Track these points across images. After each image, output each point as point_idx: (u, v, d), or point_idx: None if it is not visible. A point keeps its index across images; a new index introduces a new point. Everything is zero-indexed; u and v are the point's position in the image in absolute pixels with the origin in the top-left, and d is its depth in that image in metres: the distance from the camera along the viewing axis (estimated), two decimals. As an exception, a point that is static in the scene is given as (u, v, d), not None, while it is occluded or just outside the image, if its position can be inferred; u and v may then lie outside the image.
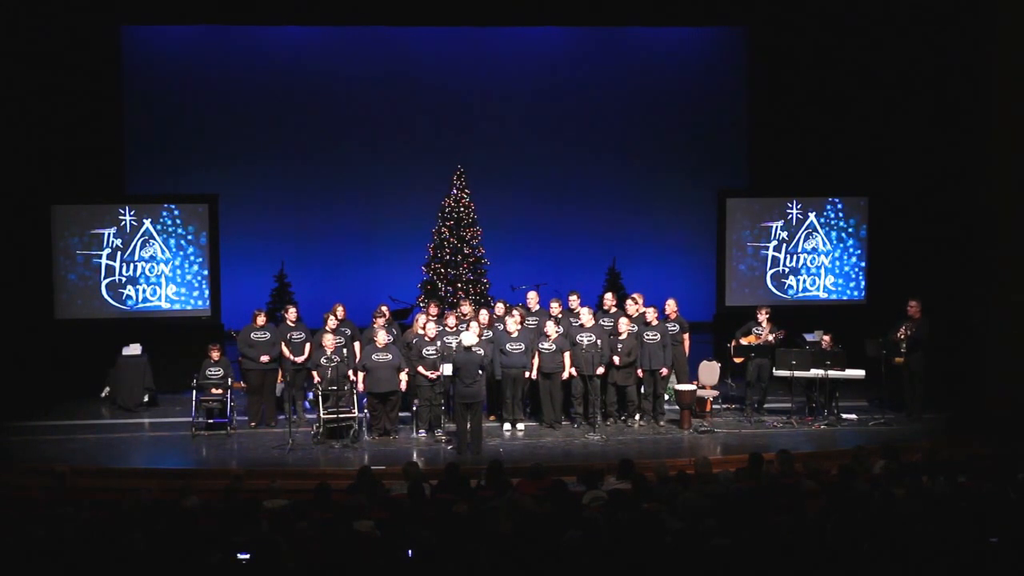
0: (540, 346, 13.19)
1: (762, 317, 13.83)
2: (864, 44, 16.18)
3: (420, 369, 12.90)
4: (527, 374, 13.23)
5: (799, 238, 16.14)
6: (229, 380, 13.35)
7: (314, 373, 13.03)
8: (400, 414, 13.15)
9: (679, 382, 13.76)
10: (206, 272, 15.53)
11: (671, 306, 13.79)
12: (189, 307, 15.51)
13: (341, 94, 18.84)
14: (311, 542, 7.24)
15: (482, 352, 12.46)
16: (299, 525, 7.61)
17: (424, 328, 13.13)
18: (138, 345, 14.72)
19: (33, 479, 10.81)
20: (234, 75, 18.58)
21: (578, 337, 13.07)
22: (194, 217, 15.50)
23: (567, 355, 13.15)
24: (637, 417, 13.58)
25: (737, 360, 14.02)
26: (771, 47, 17.76)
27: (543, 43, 19.07)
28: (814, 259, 16.19)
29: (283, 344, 13.55)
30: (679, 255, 19.21)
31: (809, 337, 14.44)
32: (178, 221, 15.47)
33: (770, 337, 13.64)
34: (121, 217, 15.33)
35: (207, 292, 15.54)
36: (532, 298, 14.10)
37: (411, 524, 7.58)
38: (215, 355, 13.41)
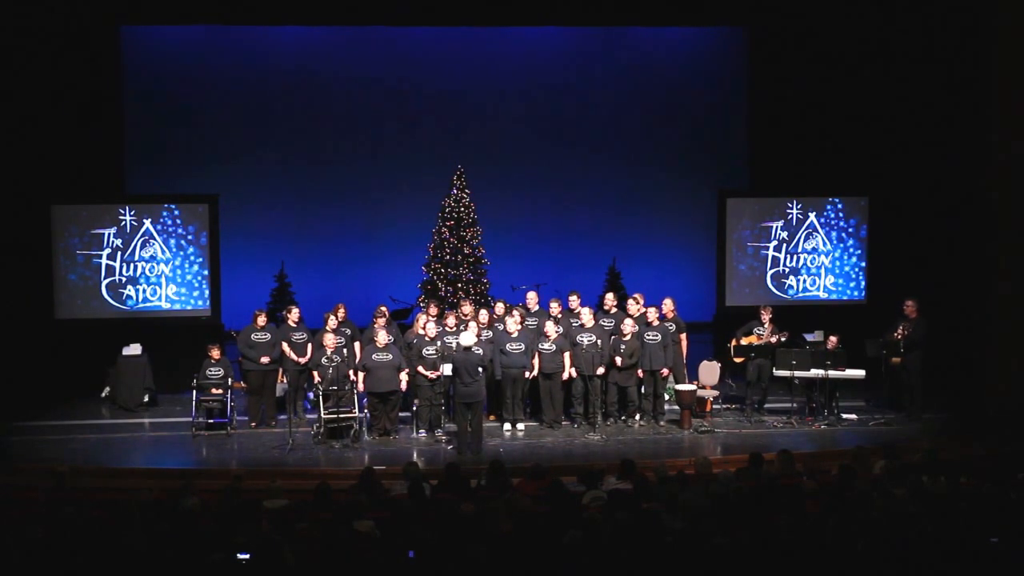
0: (540, 346, 13.18)
1: (765, 317, 13.82)
2: (864, 44, 16.18)
3: (420, 369, 12.90)
4: (527, 374, 13.22)
5: (799, 238, 16.15)
6: (229, 380, 13.35)
7: (315, 373, 13.03)
8: (400, 414, 13.15)
9: (676, 382, 13.75)
10: (206, 272, 15.53)
11: (668, 305, 13.78)
12: (189, 307, 15.52)
13: (341, 94, 18.84)
14: (311, 542, 7.24)
15: (481, 352, 12.45)
16: (299, 525, 7.61)
17: (424, 328, 13.13)
18: (138, 345, 14.72)
19: (33, 479, 10.81)
20: (234, 75, 18.57)
21: (578, 337, 13.07)
22: (194, 217, 15.50)
23: (567, 355, 13.15)
24: (637, 417, 13.57)
25: (737, 360, 14.01)
26: (771, 47, 17.75)
27: (543, 43, 19.08)
28: (814, 259, 16.19)
29: (285, 345, 13.55)
30: (679, 255, 19.21)
31: (809, 337, 14.45)
32: (178, 221, 15.47)
33: (772, 339, 13.64)
34: (121, 217, 15.33)
35: (207, 292, 15.54)
36: (532, 298, 14.09)
37: (411, 524, 7.58)
38: (215, 355, 13.41)
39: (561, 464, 11.27)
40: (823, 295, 16.26)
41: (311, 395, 13.43)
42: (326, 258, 18.93)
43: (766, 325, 13.77)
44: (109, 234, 15.30)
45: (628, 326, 13.24)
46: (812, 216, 16.14)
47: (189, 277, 15.51)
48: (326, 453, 12.30)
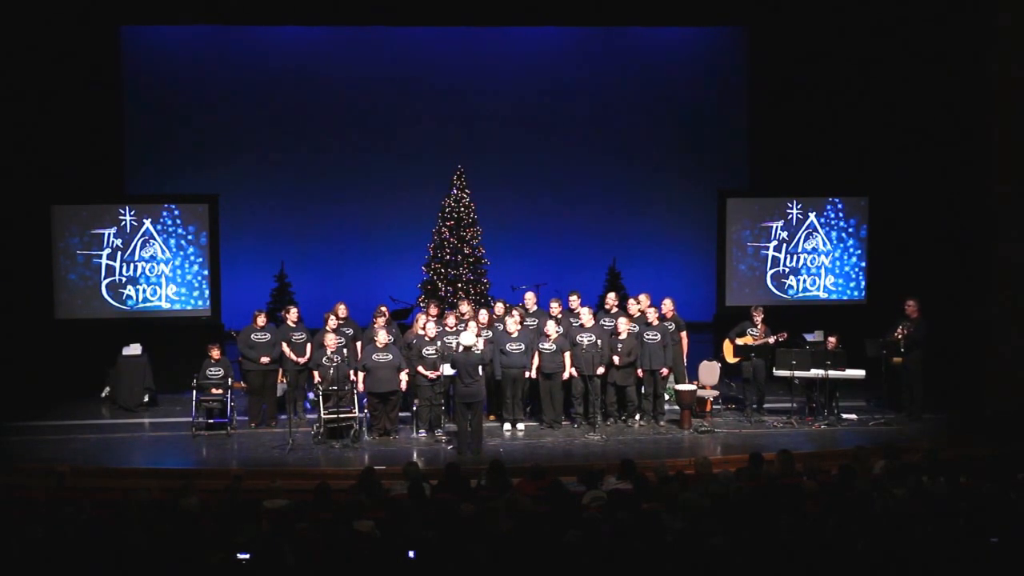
0: (540, 346, 13.18)
1: (757, 318, 13.83)
2: (864, 44, 16.17)
3: (420, 369, 12.90)
4: (527, 374, 13.22)
5: (799, 238, 16.15)
6: (229, 380, 13.35)
7: (315, 373, 13.03)
8: (400, 414, 13.15)
9: (676, 381, 13.75)
10: (206, 272, 15.53)
11: (667, 305, 13.77)
12: (189, 307, 15.51)
13: (341, 94, 18.85)
14: (311, 542, 7.24)
15: (481, 352, 12.45)
16: (299, 525, 7.61)
17: (424, 328, 13.13)
18: (138, 345, 14.72)
19: (33, 479, 10.81)
20: (234, 75, 18.59)
21: (578, 337, 13.07)
22: (194, 217, 15.49)
23: (567, 355, 13.15)
24: (637, 417, 13.57)
25: (732, 360, 13.99)
26: (771, 47, 17.76)
27: (543, 43, 19.08)
28: (814, 259, 16.19)
29: (285, 345, 13.55)
30: (679, 255, 19.22)
31: (809, 337, 14.45)
32: (178, 221, 15.47)
33: (770, 339, 13.64)
34: (121, 217, 15.33)
35: (207, 292, 15.54)
36: (530, 299, 14.06)
37: (411, 524, 7.58)
38: (215, 355, 13.40)
39: (561, 464, 11.27)
40: (823, 295, 16.26)
41: (311, 395, 13.42)
42: (326, 258, 18.94)
43: (758, 326, 13.78)
44: (109, 234, 15.30)
45: (623, 324, 13.24)
46: (812, 216, 16.14)
47: (189, 277, 15.51)
48: (326, 453, 12.30)
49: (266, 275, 18.17)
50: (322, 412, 12.62)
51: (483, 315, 13.61)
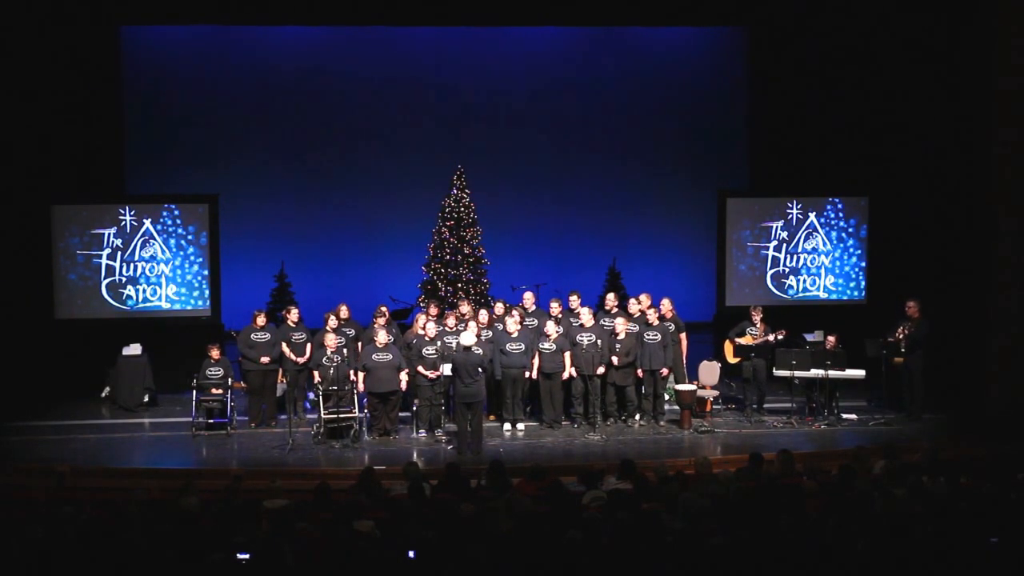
0: (540, 346, 13.19)
1: (756, 317, 13.83)
2: (864, 44, 16.17)
3: (420, 369, 12.90)
4: (527, 374, 13.22)
5: (799, 238, 16.15)
6: (229, 380, 13.35)
7: (315, 373, 13.03)
8: (400, 414, 13.15)
9: (676, 382, 13.75)
10: (206, 272, 15.53)
11: (666, 305, 13.77)
12: (189, 307, 15.52)
13: (341, 94, 18.86)
14: (311, 542, 7.24)
15: (481, 352, 12.45)
16: (299, 525, 7.61)
17: (424, 328, 13.14)
18: (138, 345, 14.72)
19: (33, 479, 10.81)
20: (234, 75, 18.59)
21: (578, 337, 13.07)
22: (194, 217, 15.50)
23: (567, 355, 13.15)
24: (637, 417, 13.58)
25: (733, 360, 14.00)
26: (771, 47, 17.76)
27: (543, 43, 19.09)
28: (814, 259, 16.19)
29: (285, 345, 13.55)
30: (679, 255, 19.23)
31: (809, 337, 14.46)
32: (178, 221, 15.47)
33: (769, 338, 13.65)
34: (121, 217, 15.33)
35: (207, 292, 15.54)
36: (528, 299, 14.07)
37: (411, 524, 7.58)
38: (215, 355, 13.40)
39: (561, 464, 11.27)
40: (823, 295, 16.26)
41: (311, 395, 13.42)
42: (326, 258, 18.94)
43: (758, 325, 13.78)
44: (109, 234, 15.30)
45: (620, 324, 13.24)
46: (812, 216, 16.14)
47: (189, 277, 15.51)
48: (326, 453, 12.30)
49: (266, 275, 18.16)
50: (322, 412, 12.62)
51: (483, 315, 13.61)
